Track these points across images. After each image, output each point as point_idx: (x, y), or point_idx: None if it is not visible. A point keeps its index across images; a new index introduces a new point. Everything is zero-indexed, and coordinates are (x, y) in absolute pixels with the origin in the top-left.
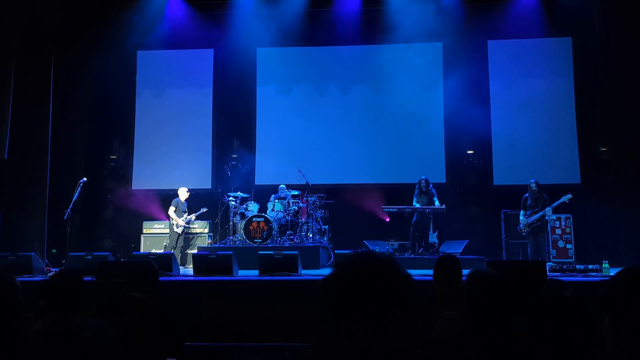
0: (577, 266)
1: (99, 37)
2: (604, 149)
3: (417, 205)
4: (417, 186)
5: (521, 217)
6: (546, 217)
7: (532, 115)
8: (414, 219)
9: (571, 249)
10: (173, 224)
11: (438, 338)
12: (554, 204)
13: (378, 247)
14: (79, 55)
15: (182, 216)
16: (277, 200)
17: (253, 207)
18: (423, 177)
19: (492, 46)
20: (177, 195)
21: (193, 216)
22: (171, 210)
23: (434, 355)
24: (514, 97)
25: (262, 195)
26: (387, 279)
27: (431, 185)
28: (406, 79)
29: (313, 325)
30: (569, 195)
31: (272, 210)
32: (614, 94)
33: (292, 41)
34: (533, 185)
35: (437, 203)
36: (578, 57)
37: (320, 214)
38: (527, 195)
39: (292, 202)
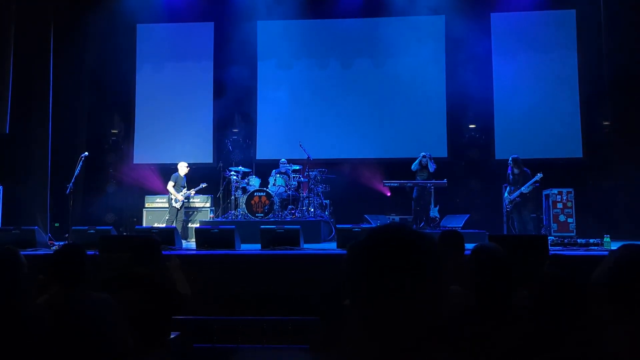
0: (579, 240)
1: (98, 10)
2: (606, 123)
3: (418, 178)
4: (417, 162)
5: (505, 194)
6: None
7: (534, 89)
8: (415, 194)
9: (572, 222)
10: (172, 199)
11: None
12: (527, 184)
13: (379, 221)
14: (79, 28)
15: (181, 191)
16: (278, 175)
17: (254, 182)
18: (426, 153)
19: (495, 19)
20: (177, 170)
21: (193, 191)
22: (170, 185)
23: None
24: (516, 71)
25: (264, 169)
26: (424, 252)
27: (431, 161)
28: (408, 53)
29: (319, 300)
30: (540, 175)
31: (274, 184)
32: (618, 68)
33: (293, 14)
34: (515, 161)
35: (431, 166)
36: (582, 29)
37: (322, 188)
38: (509, 171)
39: (293, 177)
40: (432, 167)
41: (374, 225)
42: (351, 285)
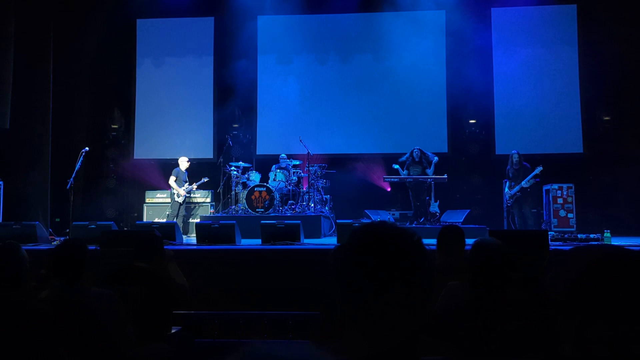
0: (579, 235)
1: (98, 5)
2: (606, 118)
3: (412, 174)
4: (409, 156)
5: (505, 189)
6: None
7: (535, 84)
8: (410, 189)
9: (572, 218)
10: (174, 194)
11: (441, 308)
12: (527, 178)
13: (379, 216)
14: (79, 23)
15: (183, 186)
16: (278, 170)
17: (255, 177)
18: (417, 147)
19: (496, 14)
20: (178, 165)
21: (194, 185)
22: (172, 180)
23: (437, 325)
24: (517, 66)
25: (264, 164)
26: (405, 248)
27: (428, 152)
28: (408, 48)
29: (319, 294)
30: (540, 168)
31: (274, 180)
32: (618, 63)
33: (293, 9)
34: (515, 156)
35: (430, 156)
36: (583, 24)
37: (322, 183)
38: (509, 167)
39: (294, 172)
40: (433, 158)
41: (374, 220)
42: (339, 287)
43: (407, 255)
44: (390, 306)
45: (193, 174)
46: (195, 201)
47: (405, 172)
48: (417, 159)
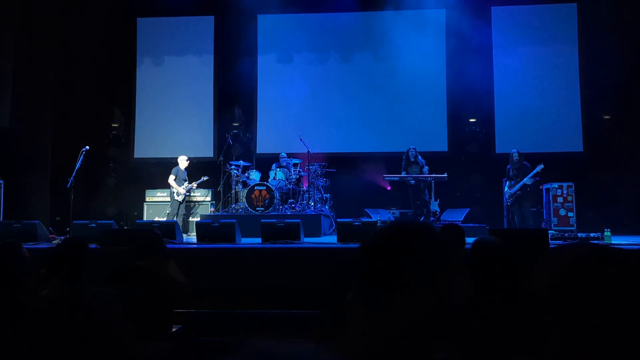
0: (579, 234)
1: (98, 3)
2: (607, 117)
3: (410, 174)
4: (404, 157)
5: (505, 188)
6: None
7: (535, 83)
8: (409, 189)
9: (573, 217)
10: (174, 192)
11: None
12: (529, 176)
13: (379, 215)
14: (79, 22)
15: (183, 184)
16: (278, 169)
17: (255, 176)
18: (411, 146)
19: (496, 12)
20: (177, 164)
21: (194, 184)
22: (171, 179)
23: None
24: (517, 65)
25: (264, 163)
26: (435, 247)
27: (419, 155)
28: (409, 47)
29: (320, 293)
30: (541, 166)
31: (274, 178)
32: (618, 61)
33: (294, 8)
34: (515, 155)
35: (421, 161)
36: (583, 23)
37: (322, 182)
38: (509, 166)
39: (294, 171)
40: (421, 162)
41: (374, 219)
42: (363, 281)
43: (438, 254)
44: (417, 303)
45: (193, 172)
46: (196, 200)
47: (403, 172)
48: (412, 159)
